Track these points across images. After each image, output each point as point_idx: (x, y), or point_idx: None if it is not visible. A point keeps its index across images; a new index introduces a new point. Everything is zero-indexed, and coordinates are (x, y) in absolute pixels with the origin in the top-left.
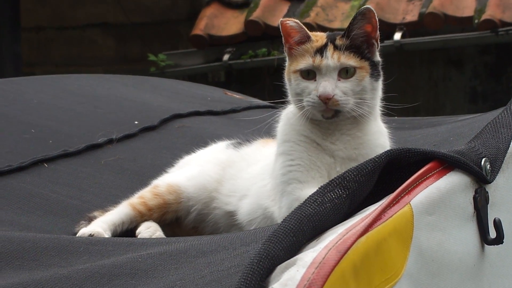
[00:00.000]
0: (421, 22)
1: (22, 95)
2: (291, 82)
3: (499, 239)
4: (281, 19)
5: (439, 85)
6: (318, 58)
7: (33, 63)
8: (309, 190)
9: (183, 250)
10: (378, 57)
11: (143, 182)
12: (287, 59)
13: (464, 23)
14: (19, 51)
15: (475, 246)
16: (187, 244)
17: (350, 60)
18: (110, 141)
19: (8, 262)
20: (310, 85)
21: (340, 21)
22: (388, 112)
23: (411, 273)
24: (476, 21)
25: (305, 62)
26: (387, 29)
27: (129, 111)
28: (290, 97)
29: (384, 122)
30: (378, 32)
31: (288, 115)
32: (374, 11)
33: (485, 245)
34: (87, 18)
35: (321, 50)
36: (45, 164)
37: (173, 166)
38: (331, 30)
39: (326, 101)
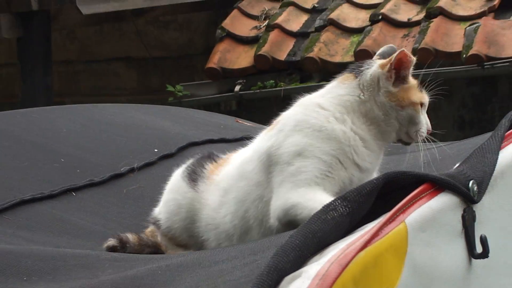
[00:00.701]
0: (414, 57)
1: (53, 124)
2: (405, 109)
3: (485, 254)
4: (405, 50)
5: (430, 113)
6: (424, 95)
7: (63, 93)
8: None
9: (197, 262)
10: None
11: None
12: (388, 83)
13: (453, 57)
14: (50, 83)
15: (463, 260)
16: (201, 255)
17: None
18: (131, 170)
19: (40, 277)
20: (422, 118)
21: (341, 56)
22: None
23: (405, 284)
24: (464, 56)
25: (423, 97)
26: None
27: (149, 138)
28: (392, 121)
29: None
30: None
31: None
32: None
33: (472, 259)
34: (111, 52)
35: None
36: (73, 193)
37: None
38: (332, 64)
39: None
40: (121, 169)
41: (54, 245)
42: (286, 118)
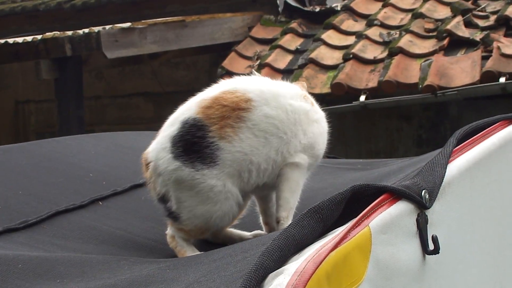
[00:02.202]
0: (379, 88)
1: (83, 148)
2: None
3: (436, 251)
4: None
5: (394, 134)
6: None
7: (93, 123)
8: None
9: (199, 261)
10: None
11: None
12: None
13: (412, 87)
14: (82, 115)
15: (418, 256)
16: (201, 255)
17: None
18: None
19: (71, 279)
20: None
21: (320, 88)
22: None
23: (370, 277)
24: (420, 86)
25: None
26: (355, 93)
27: None
28: None
29: (351, 164)
30: None
31: None
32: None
33: (426, 255)
34: (132, 89)
35: None
36: (100, 202)
37: None
38: (313, 95)
39: None
40: (140, 181)
41: (83, 251)
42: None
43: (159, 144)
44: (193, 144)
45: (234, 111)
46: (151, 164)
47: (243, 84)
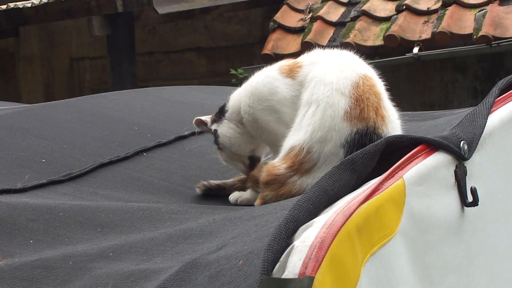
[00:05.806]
0: (433, 39)
1: (129, 103)
2: None
3: (475, 203)
4: None
5: (449, 86)
6: None
7: (147, 79)
8: None
9: (239, 216)
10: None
11: (218, 162)
12: None
13: (466, 38)
14: (135, 71)
15: (456, 208)
16: (243, 210)
17: None
18: (193, 134)
19: (112, 228)
20: None
21: (372, 40)
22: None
23: (404, 230)
24: (474, 37)
25: None
26: (408, 45)
27: (208, 112)
28: None
29: (399, 115)
30: None
31: None
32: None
33: (464, 207)
34: (185, 44)
35: None
36: (144, 154)
37: None
38: (366, 47)
39: None
40: (185, 132)
41: (126, 200)
42: None
43: None
44: None
45: None
46: None
47: None
